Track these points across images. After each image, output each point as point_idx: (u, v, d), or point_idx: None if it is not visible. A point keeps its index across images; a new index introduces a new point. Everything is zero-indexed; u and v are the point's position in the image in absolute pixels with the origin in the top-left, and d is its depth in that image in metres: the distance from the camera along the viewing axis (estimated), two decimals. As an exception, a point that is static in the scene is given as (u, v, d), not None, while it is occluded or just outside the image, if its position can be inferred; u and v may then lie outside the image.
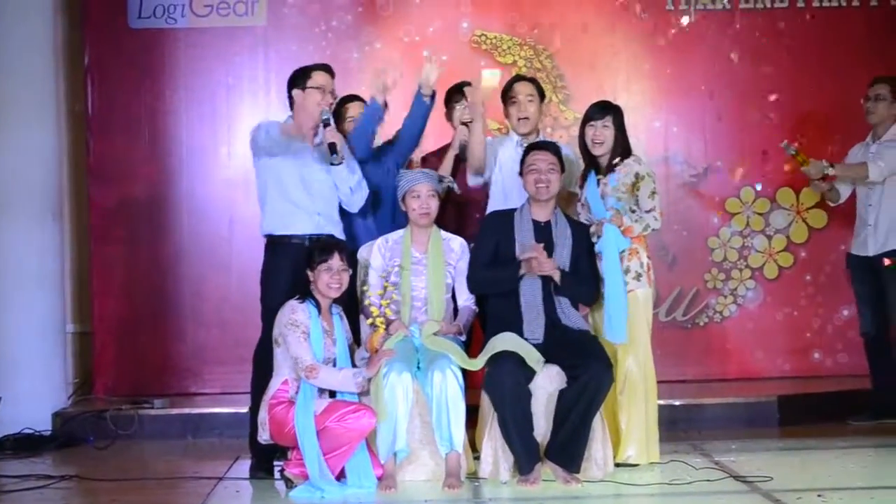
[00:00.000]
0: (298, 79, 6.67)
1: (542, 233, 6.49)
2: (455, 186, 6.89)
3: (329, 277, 6.17)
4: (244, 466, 6.75)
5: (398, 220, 6.82)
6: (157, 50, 8.67)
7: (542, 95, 7.07)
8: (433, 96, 6.85)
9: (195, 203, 8.57)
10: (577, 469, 6.19)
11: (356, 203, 6.76)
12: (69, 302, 8.42)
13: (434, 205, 6.55)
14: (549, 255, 6.39)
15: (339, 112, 7.07)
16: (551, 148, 6.54)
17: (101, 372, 8.52)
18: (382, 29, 8.74)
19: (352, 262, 6.42)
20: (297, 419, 5.96)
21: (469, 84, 7.20)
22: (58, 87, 8.20)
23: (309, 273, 6.19)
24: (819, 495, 5.73)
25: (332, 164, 6.47)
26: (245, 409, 6.86)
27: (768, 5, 8.87)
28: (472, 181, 7.04)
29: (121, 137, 8.60)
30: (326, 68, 6.71)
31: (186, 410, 7.98)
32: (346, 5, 8.74)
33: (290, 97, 6.69)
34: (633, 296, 6.55)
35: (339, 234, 6.69)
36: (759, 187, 8.83)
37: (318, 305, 6.18)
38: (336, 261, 6.19)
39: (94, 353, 8.57)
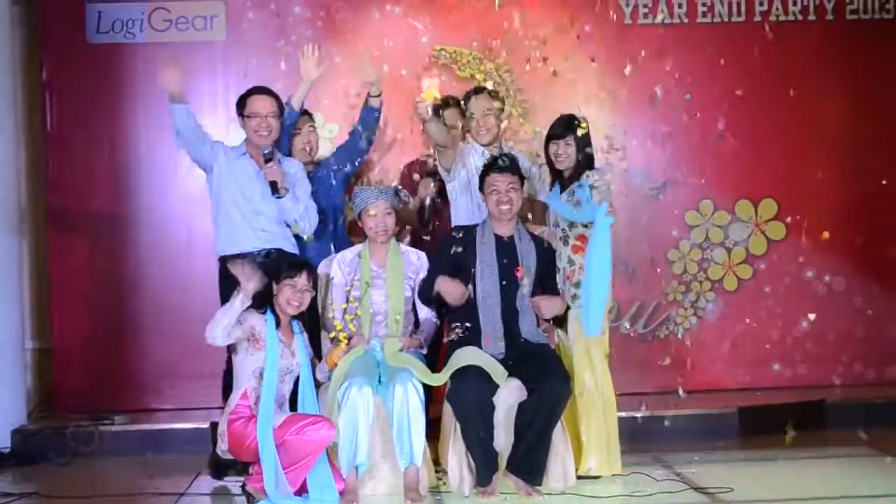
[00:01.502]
0: (238, 105, 6.81)
1: (506, 248, 6.54)
2: (410, 201, 6.93)
3: (291, 294, 6.17)
4: (205, 482, 6.77)
5: (341, 238, 6.90)
6: (116, 65, 8.62)
7: (501, 107, 7.11)
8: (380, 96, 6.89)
9: (155, 218, 8.51)
10: (538, 481, 6.23)
11: (305, 230, 6.81)
12: (28, 318, 8.36)
13: (391, 221, 6.58)
14: (514, 268, 6.46)
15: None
16: (510, 168, 6.56)
17: (61, 388, 8.46)
18: (342, 44, 8.71)
19: (316, 283, 6.42)
20: (258, 434, 5.94)
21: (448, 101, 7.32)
22: (15, 101, 8.17)
23: (273, 285, 6.18)
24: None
25: (277, 198, 6.58)
26: (206, 425, 6.86)
27: (725, 19, 8.92)
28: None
29: (80, 152, 8.55)
30: (264, 91, 6.81)
31: (147, 426, 7.93)
32: (306, 20, 8.71)
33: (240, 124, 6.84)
34: None
35: (291, 248, 6.73)
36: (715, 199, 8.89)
37: (277, 317, 6.17)
38: (302, 279, 6.19)
39: (53, 370, 8.51)
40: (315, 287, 6.37)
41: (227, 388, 6.38)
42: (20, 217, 8.12)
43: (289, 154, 7.03)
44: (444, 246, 6.63)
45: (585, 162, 6.69)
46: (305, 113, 7.22)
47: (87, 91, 8.58)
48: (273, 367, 6.06)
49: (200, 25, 8.69)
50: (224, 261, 6.64)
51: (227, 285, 6.54)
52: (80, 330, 8.49)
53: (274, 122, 6.76)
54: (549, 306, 6.48)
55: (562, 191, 6.73)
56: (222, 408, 6.35)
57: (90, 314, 8.50)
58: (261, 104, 6.75)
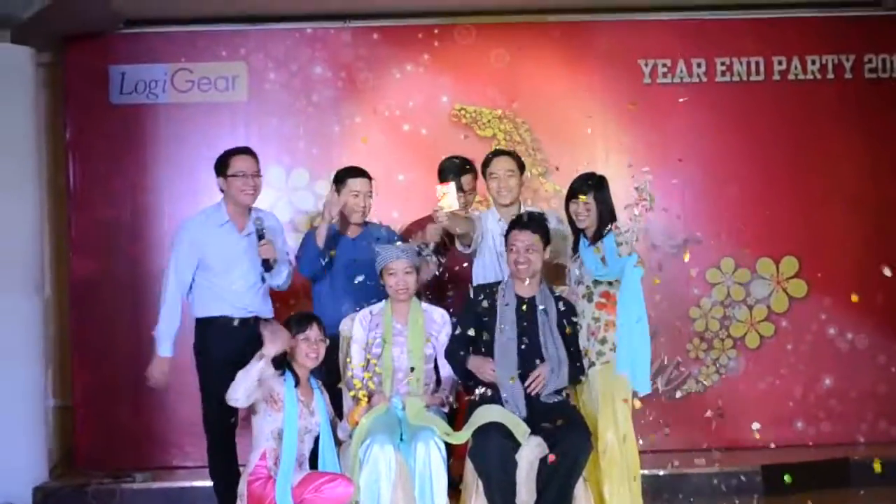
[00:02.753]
0: (219, 166, 6.79)
1: (527, 307, 6.51)
2: (434, 259, 6.92)
3: (307, 347, 6.19)
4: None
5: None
6: (139, 125, 8.70)
7: (521, 167, 7.13)
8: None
9: (176, 276, 8.54)
10: (560, 536, 6.18)
11: (279, 286, 6.91)
12: (50, 375, 8.37)
13: (411, 280, 6.58)
14: (535, 329, 6.44)
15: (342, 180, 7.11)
16: (531, 226, 6.56)
17: (81, 445, 8.47)
18: (362, 103, 8.79)
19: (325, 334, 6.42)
20: (276, 494, 5.92)
21: (457, 165, 7.38)
22: (40, 160, 8.23)
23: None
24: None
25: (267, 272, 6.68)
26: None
27: (745, 78, 8.95)
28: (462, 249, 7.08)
29: (102, 211, 8.62)
30: (246, 151, 6.84)
31: (168, 484, 7.94)
32: (327, 80, 8.79)
33: (219, 185, 6.83)
34: (610, 367, 6.57)
35: (268, 313, 6.83)
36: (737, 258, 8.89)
37: (296, 377, 6.17)
38: (314, 332, 6.22)
39: (75, 427, 8.51)
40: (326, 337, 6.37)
41: (210, 437, 6.59)
42: (42, 274, 8.15)
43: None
44: (468, 305, 6.63)
45: (608, 217, 6.69)
46: (364, 175, 7.18)
47: (110, 151, 8.67)
48: (292, 427, 6.05)
49: (222, 86, 8.76)
50: (201, 323, 6.72)
51: (204, 346, 6.72)
52: (101, 387, 8.51)
53: (258, 181, 6.81)
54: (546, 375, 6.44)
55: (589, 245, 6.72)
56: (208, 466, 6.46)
57: (111, 372, 8.52)
58: (246, 163, 6.78)
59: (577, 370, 6.53)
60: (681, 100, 8.70)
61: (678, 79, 8.94)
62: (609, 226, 6.59)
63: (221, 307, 6.71)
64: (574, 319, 6.61)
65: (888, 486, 7.68)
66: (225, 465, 6.56)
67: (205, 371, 6.77)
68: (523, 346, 6.45)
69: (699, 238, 8.83)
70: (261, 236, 6.65)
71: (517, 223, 6.59)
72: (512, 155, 7.19)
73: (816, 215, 8.87)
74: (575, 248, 6.77)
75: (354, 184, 7.02)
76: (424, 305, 6.70)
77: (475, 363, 6.46)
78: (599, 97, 8.89)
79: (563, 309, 6.57)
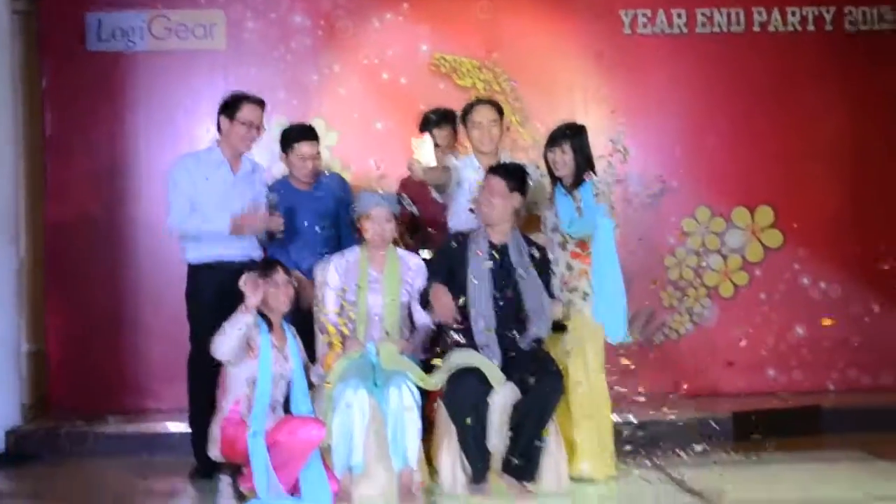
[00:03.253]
0: (229, 107, 6.79)
1: (499, 254, 6.54)
2: (414, 209, 6.93)
3: (276, 291, 6.20)
4: (199, 484, 6.75)
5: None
6: (116, 73, 8.67)
7: (501, 116, 7.12)
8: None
9: (151, 223, 8.45)
10: (531, 479, 6.24)
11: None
12: (23, 321, 8.38)
13: (389, 228, 6.59)
14: (509, 277, 6.47)
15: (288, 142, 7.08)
16: (501, 172, 6.58)
17: (56, 390, 8.49)
18: (341, 52, 8.77)
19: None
20: (249, 436, 5.96)
21: (437, 117, 7.36)
22: (15, 109, 8.17)
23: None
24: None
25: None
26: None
27: (724, 29, 8.95)
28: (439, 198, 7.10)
29: (78, 159, 8.60)
30: (258, 102, 6.83)
31: (141, 428, 7.94)
32: (306, 29, 8.77)
33: (219, 122, 6.82)
34: (583, 316, 6.61)
35: (258, 258, 6.80)
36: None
37: (268, 323, 6.20)
38: (280, 275, 6.23)
39: (49, 372, 8.53)
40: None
41: (194, 381, 6.61)
42: (17, 222, 8.14)
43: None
44: (442, 253, 6.65)
45: (585, 167, 6.70)
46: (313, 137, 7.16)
47: (87, 99, 8.64)
48: (266, 373, 6.08)
49: (200, 34, 8.73)
50: (193, 269, 6.72)
51: (196, 290, 6.72)
52: (75, 332, 8.53)
53: (258, 133, 6.85)
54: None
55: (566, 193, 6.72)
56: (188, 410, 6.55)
57: (85, 317, 8.53)
58: (256, 114, 6.80)
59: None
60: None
61: (658, 29, 8.94)
62: (586, 175, 6.61)
63: (215, 251, 6.70)
64: (549, 267, 6.64)
65: (858, 432, 7.72)
66: (205, 411, 6.54)
67: (195, 316, 6.75)
68: (499, 295, 6.48)
69: (675, 187, 8.84)
70: (273, 207, 6.67)
71: (491, 169, 6.61)
72: (493, 104, 7.18)
73: (793, 166, 8.89)
74: (552, 197, 6.80)
75: (303, 147, 6.99)
76: (400, 252, 6.71)
77: (436, 292, 6.45)
78: (579, 47, 8.88)
79: (537, 256, 6.60)
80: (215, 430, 6.15)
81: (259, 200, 6.78)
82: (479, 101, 7.22)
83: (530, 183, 6.81)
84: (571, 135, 6.74)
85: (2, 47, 8.00)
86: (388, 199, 6.62)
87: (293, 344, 6.28)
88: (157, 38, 8.71)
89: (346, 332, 6.46)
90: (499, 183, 6.52)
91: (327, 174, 7.28)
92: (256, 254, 6.81)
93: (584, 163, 6.70)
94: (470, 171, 6.99)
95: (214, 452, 6.17)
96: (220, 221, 6.62)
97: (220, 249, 6.70)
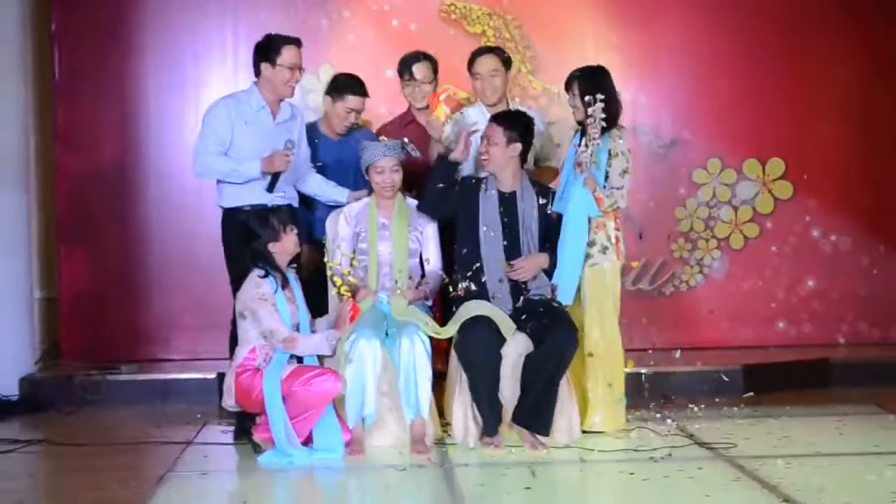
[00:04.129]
0: (268, 52, 6.60)
1: (507, 204, 6.53)
2: (418, 153, 6.90)
3: (281, 244, 6.19)
4: (212, 431, 6.81)
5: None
6: (125, 17, 8.59)
7: (507, 64, 7.07)
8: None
9: (163, 169, 8.49)
10: (545, 432, 6.26)
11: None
12: (36, 268, 8.37)
13: (397, 178, 6.59)
14: (515, 226, 6.48)
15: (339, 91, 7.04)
16: (499, 119, 6.54)
17: (68, 338, 8.48)
18: (351, -2, 8.73)
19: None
20: (265, 386, 5.98)
21: (418, 59, 7.24)
22: (24, 53, 8.12)
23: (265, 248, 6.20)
24: (784, 462, 5.86)
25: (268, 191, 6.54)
26: (213, 375, 6.91)
27: (737, -21, 8.90)
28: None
29: (88, 104, 8.53)
30: (297, 43, 6.65)
31: (154, 376, 7.97)
32: (316, -27, 8.72)
33: (257, 67, 6.65)
34: (600, 269, 6.59)
35: (296, 204, 6.76)
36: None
37: (280, 275, 6.20)
38: (277, 222, 6.19)
39: (61, 319, 8.52)
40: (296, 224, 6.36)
41: (234, 341, 6.40)
42: (28, 168, 8.12)
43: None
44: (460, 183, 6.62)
45: (607, 116, 6.48)
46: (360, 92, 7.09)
47: (96, 42, 8.56)
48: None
49: (211, -24, 8.66)
50: (228, 213, 6.62)
51: (231, 237, 6.55)
52: (88, 280, 8.51)
53: (300, 75, 6.69)
54: (531, 268, 6.47)
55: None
56: (229, 359, 6.38)
57: (97, 265, 8.52)
58: (297, 57, 6.62)
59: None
60: None
61: (667, -23, 8.87)
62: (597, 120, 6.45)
63: (252, 195, 6.54)
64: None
65: (868, 386, 7.76)
66: None
67: (233, 261, 6.55)
68: (505, 243, 6.49)
69: (687, 138, 8.81)
70: (288, 150, 6.51)
71: (492, 117, 6.60)
72: (496, 52, 7.12)
73: (804, 117, 8.85)
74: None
75: (351, 101, 6.96)
76: (409, 200, 6.71)
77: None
78: (590, -5, 8.83)
79: (543, 202, 6.57)
80: (230, 380, 6.17)
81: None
82: (481, 51, 7.16)
83: (539, 129, 6.79)
84: (579, 77, 6.67)
85: (11, -8, 7.97)
86: (393, 148, 6.60)
87: (297, 290, 6.31)
88: (167, -20, 8.64)
89: (353, 280, 6.47)
90: (495, 131, 6.48)
91: (359, 128, 7.22)
92: (293, 196, 6.74)
93: (607, 109, 6.47)
94: (477, 115, 6.98)
95: (229, 402, 6.19)
96: (251, 164, 6.47)
97: (258, 195, 6.52)
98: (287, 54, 6.57)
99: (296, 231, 6.25)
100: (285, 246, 6.20)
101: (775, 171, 8.87)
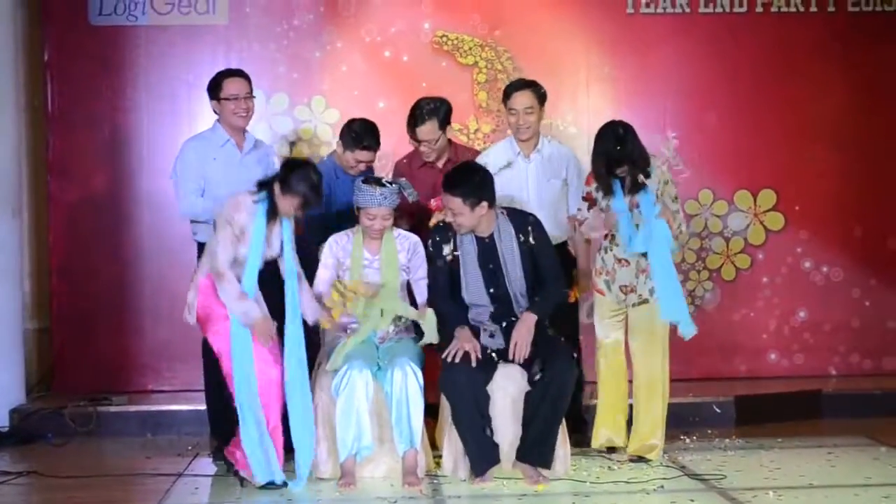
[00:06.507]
0: (213, 89, 6.86)
1: (487, 249, 6.46)
2: (416, 197, 6.88)
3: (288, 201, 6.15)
4: (203, 463, 6.81)
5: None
6: (118, 47, 8.60)
7: (542, 100, 7.01)
8: None
9: (155, 200, 8.46)
10: (547, 465, 6.27)
11: None
12: (28, 298, 8.36)
13: (388, 223, 6.45)
14: (498, 272, 6.43)
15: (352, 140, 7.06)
16: (456, 192, 6.28)
17: (59, 369, 8.47)
18: (344, 29, 8.71)
19: None
20: (235, 393, 6.08)
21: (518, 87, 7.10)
22: (17, 82, 8.14)
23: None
24: (776, 494, 5.88)
25: None
26: (204, 406, 6.90)
27: (727, 9, 8.90)
28: None
29: (81, 134, 8.54)
30: (238, 74, 6.88)
31: (145, 407, 7.96)
32: (308, 5, 8.70)
33: (212, 107, 6.91)
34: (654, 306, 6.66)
35: None
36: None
37: (273, 211, 6.15)
38: (293, 184, 6.13)
39: (52, 350, 8.52)
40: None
41: (207, 368, 6.57)
42: (20, 197, 8.12)
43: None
44: (434, 248, 6.54)
45: (641, 160, 6.51)
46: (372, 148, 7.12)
47: (89, 73, 8.56)
48: (256, 255, 6.15)
49: (202, 9, 8.66)
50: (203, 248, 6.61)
51: None
52: (80, 310, 8.49)
53: (251, 103, 6.87)
54: (524, 341, 6.31)
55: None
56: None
57: (89, 295, 8.50)
58: (238, 86, 6.83)
59: (563, 288, 6.64)
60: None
61: (661, 9, 8.87)
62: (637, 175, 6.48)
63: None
64: (544, 242, 6.52)
65: (860, 417, 7.77)
66: (222, 388, 6.39)
67: None
68: (491, 290, 6.45)
69: (678, 169, 8.80)
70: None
71: (444, 185, 6.36)
72: (532, 87, 7.01)
73: (795, 149, 8.87)
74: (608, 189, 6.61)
75: (362, 156, 7.02)
76: (396, 232, 6.57)
77: (462, 334, 6.36)
78: (582, 25, 8.83)
79: (522, 240, 6.46)
80: (191, 296, 6.25)
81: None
82: (517, 86, 7.06)
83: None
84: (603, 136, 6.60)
85: (4, 20, 7.98)
86: (389, 197, 6.36)
87: (287, 229, 6.27)
88: (159, 12, 8.62)
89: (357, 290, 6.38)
90: (455, 203, 6.28)
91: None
92: None
93: (640, 154, 6.52)
94: (511, 156, 7.01)
95: (191, 319, 6.28)
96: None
97: None
98: (228, 86, 6.80)
99: (299, 211, 6.18)
100: (284, 203, 6.13)
101: (767, 203, 8.88)
